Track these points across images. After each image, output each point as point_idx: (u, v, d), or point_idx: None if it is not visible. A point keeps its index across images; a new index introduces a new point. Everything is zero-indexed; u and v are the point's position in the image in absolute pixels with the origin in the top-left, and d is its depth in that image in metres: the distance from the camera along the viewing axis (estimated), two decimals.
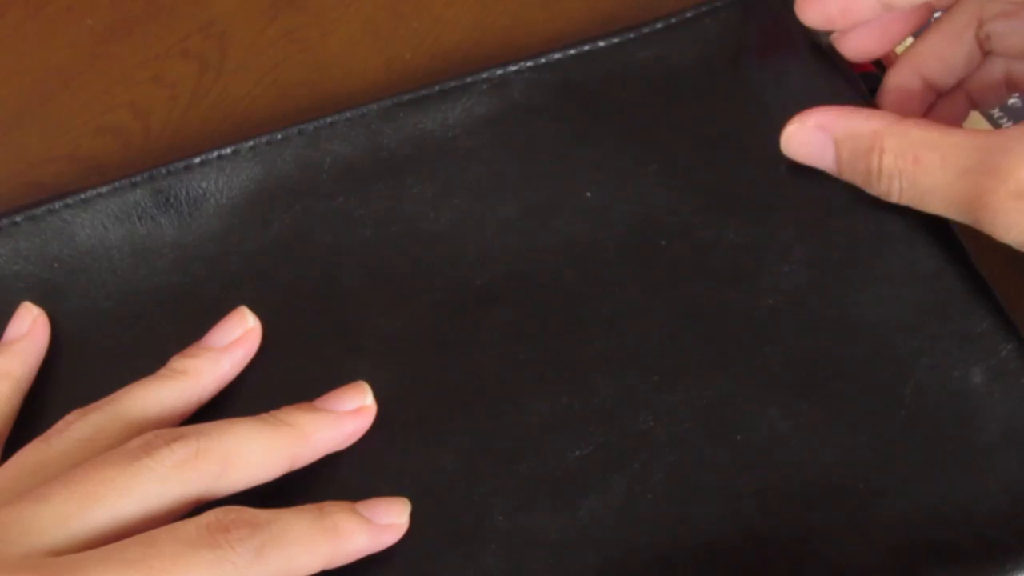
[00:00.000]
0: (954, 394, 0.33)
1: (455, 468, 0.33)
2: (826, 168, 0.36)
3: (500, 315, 0.36)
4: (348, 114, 0.40)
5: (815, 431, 0.33)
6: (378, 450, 0.34)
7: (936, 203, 0.34)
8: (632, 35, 0.41)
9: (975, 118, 0.43)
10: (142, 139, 0.45)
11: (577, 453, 0.33)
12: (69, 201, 0.39)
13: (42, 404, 0.36)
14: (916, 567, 0.31)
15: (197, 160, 0.39)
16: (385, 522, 0.32)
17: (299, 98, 0.45)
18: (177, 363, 0.35)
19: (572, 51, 0.41)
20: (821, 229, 0.36)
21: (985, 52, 0.39)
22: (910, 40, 0.41)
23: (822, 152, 0.36)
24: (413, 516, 0.32)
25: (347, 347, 0.36)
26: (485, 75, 0.40)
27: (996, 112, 0.43)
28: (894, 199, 0.35)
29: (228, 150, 0.39)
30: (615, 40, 0.41)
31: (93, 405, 0.33)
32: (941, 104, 0.40)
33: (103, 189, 0.39)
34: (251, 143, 0.39)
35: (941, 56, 0.39)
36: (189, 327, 0.36)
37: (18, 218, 0.39)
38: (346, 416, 0.34)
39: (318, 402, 0.34)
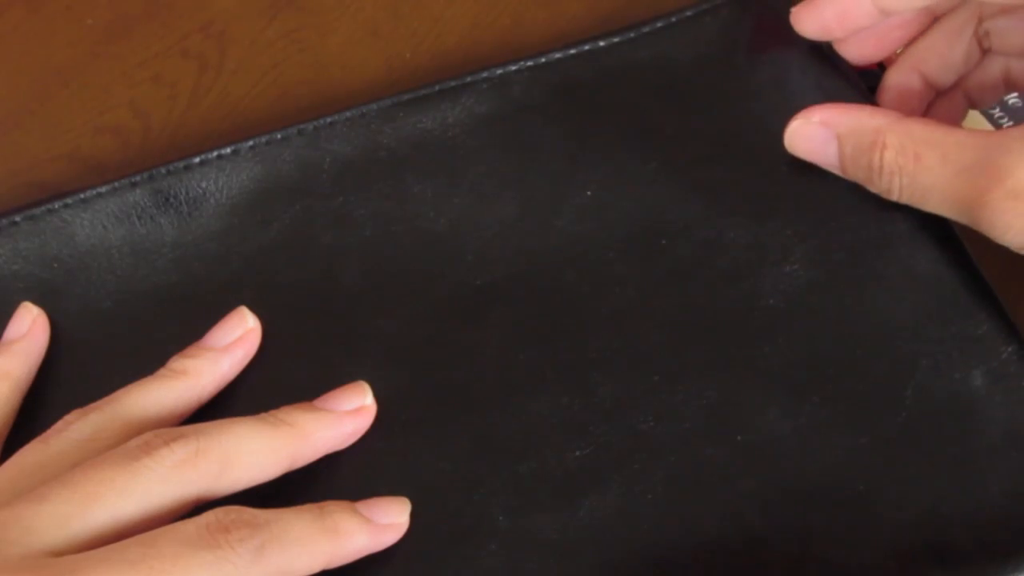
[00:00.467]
0: (955, 396, 0.33)
1: (455, 468, 0.33)
2: (829, 165, 0.36)
3: (500, 315, 0.36)
4: (348, 114, 0.40)
5: (815, 432, 0.33)
6: (378, 450, 0.34)
7: (935, 202, 0.34)
8: (632, 34, 0.41)
9: (976, 119, 0.43)
10: (142, 139, 0.45)
11: (577, 453, 0.33)
12: (68, 201, 0.39)
13: (42, 404, 0.35)
14: (916, 568, 0.31)
15: (197, 160, 0.39)
16: (385, 522, 0.32)
17: (299, 98, 0.45)
18: (177, 363, 0.34)
19: (572, 50, 0.41)
20: (822, 229, 0.36)
21: (984, 49, 0.39)
22: None
23: (825, 148, 0.36)
24: (413, 516, 0.32)
25: (347, 347, 0.36)
26: (485, 74, 0.40)
27: (997, 112, 0.43)
28: (894, 197, 0.35)
29: (228, 150, 0.39)
30: (615, 39, 0.41)
31: (92, 405, 0.33)
32: (939, 103, 0.40)
33: (103, 189, 0.39)
34: (251, 143, 0.39)
35: (941, 54, 0.39)
36: (189, 327, 0.36)
37: (17, 218, 0.38)
38: (346, 416, 0.34)
39: (318, 402, 0.34)
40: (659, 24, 0.41)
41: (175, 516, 0.31)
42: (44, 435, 0.32)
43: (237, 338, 0.35)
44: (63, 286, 0.37)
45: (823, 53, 0.39)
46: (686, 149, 0.39)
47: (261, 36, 0.47)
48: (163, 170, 0.39)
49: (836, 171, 0.36)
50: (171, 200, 0.39)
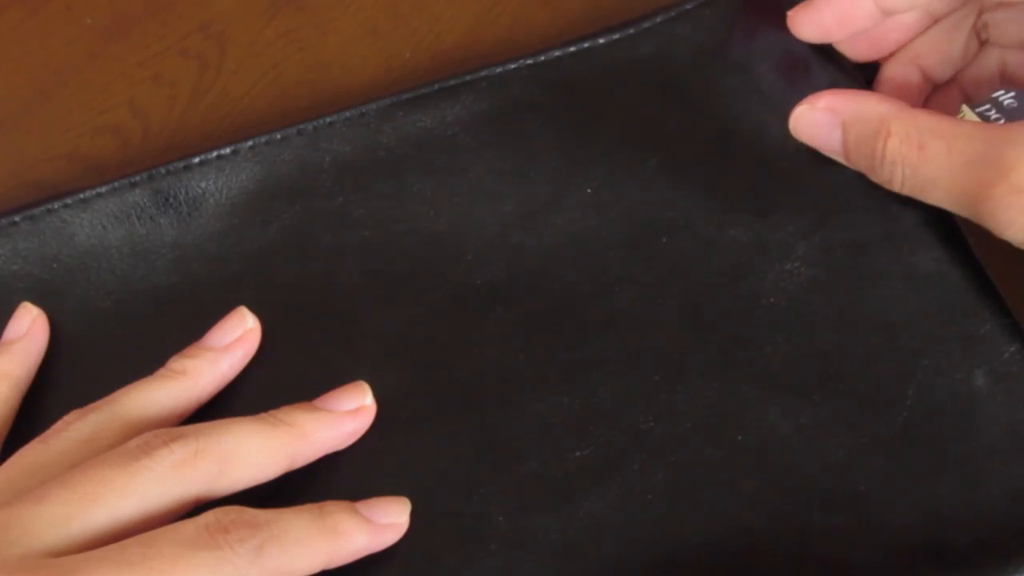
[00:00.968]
0: (956, 396, 0.33)
1: (455, 468, 0.33)
2: (832, 152, 0.36)
3: (500, 314, 0.36)
4: (348, 114, 0.40)
5: (816, 432, 0.33)
6: (378, 450, 0.34)
7: (938, 194, 0.33)
8: (632, 31, 0.41)
9: (968, 117, 0.42)
10: (141, 138, 0.45)
11: (577, 453, 0.33)
12: (68, 201, 0.39)
13: (41, 404, 0.35)
14: (917, 569, 0.31)
15: (196, 160, 0.39)
16: (385, 522, 0.32)
17: (299, 98, 0.45)
18: (176, 363, 0.34)
19: (572, 48, 0.41)
20: (824, 227, 0.36)
21: (981, 42, 0.38)
22: None
23: (829, 135, 0.36)
24: (413, 516, 0.32)
25: (347, 347, 0.36)
26: (484, 73, 0.40)
27: (993, 113, 0.43)
28: (896, 187, 0.34)
29: (227, 150, 0.39)
30: (615, 36, 0.41)
31: (92, 405, 0.33)
32: (935, 97, 0.40)
33: (102, 189, 0.39)
34: (250, 143, 0.39)
35: (939, 47, 0.38)
36: (188, 327, 0.36)
37: (17, 218, 0.38)
38: (346, 416, 0.34)
39: (318, 402, 0.34)
40: (658, 19, 0.41)
41: (175, 516, 0.31)
42: (44, 435, 0.32)
43: (237, 338, 0.35)
44: (63, 286, 0.37)
45: (822, 46, 0.39)
46: (687, 146, 0.38)
47: (261, 36, 0.47)
48: (163, 170, 0.39)
49: (839, 158, 0.36)
50: (171, 200, 0.39)
